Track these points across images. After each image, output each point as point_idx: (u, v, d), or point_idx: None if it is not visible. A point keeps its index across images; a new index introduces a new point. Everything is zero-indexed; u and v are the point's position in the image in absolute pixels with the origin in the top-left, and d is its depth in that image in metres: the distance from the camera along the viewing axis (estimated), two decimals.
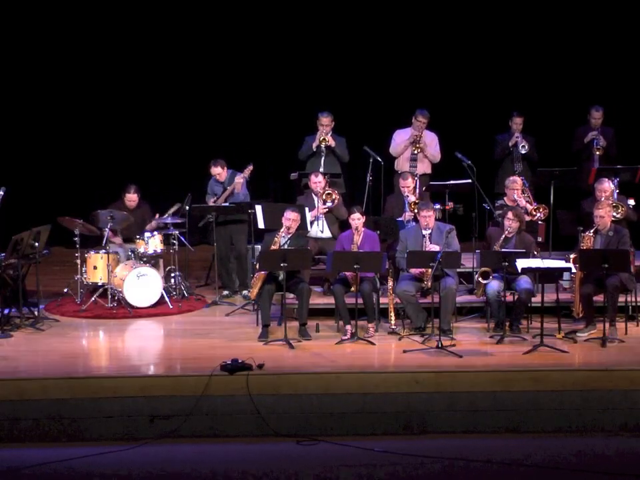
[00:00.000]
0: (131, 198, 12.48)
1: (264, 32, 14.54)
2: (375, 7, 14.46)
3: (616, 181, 12.16)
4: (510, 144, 13.12)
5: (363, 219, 11.08)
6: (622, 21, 14.38)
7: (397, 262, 11.10)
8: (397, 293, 10.85)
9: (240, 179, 12.24)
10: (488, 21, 14.47)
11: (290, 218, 10.99)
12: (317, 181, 12.03)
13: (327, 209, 12.01)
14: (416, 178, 12.31)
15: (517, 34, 14.47)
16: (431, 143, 13.00)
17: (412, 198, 11.90)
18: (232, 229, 12.47)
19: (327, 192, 11.98)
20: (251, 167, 12.32)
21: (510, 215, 10.95)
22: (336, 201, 11.99)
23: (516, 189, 11.94)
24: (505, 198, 12.05)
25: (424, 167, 12.96)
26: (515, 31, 14.46)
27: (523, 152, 13.07)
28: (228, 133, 14.46)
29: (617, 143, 13.32)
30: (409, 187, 11.98)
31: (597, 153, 13.13)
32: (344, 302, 10.81)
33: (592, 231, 10.80)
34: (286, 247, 10.86)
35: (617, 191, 12.08)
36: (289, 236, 10.98)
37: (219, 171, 12.39)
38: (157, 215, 12.49)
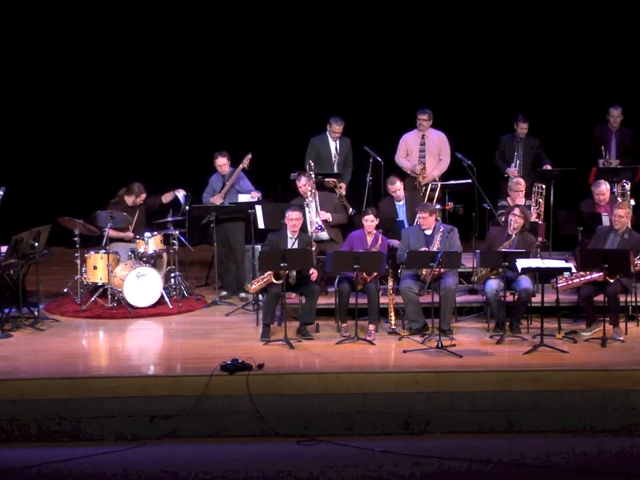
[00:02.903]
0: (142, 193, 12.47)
1: (266, 32, 14.48)
2: (381, 7, 14.43)
3: (626, 185, 12.12)
4: None
5: (376, 221, 11.08)
6: (631, 21, 14.36)
7: (397, 258, 11.10)
8: (400, 290, 10.84)
9: (239, 168, 12.25)
10: (492, 21, 14.42)
11: (292, 218, 10.99)
12: (301, 185, 11.86)
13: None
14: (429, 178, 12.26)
15: (522, 33, 14.40)
16: (440, 143, 12.90)
17: (402, 202, 11.92)
18: (228, 228, 12.44)
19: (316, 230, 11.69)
20: (249, 156, 12.27)
21: (517, 211, 10.93)
22: (324, 230, 11.73)
23: (520, 190, 11.91)
24: (509, 199, 12.03)
25: (430, 170, 12.85)
26: (520, 30, 14.40)
27: None
28: (229, 133, 14.41)
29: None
30: (399, 189, 11.91)
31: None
32: (347, 302, 10.83)
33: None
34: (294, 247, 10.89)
35: (621, 193, 12.08)
36: (295, 236, 10.99)
37: (224, 162, 12.34)
38: (162, 199, 12.52)
